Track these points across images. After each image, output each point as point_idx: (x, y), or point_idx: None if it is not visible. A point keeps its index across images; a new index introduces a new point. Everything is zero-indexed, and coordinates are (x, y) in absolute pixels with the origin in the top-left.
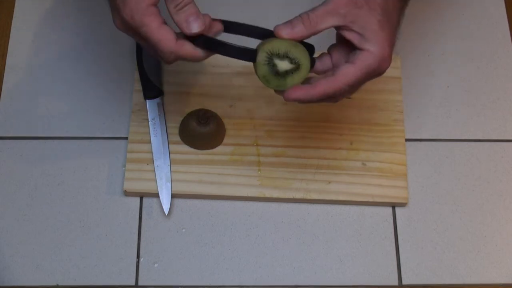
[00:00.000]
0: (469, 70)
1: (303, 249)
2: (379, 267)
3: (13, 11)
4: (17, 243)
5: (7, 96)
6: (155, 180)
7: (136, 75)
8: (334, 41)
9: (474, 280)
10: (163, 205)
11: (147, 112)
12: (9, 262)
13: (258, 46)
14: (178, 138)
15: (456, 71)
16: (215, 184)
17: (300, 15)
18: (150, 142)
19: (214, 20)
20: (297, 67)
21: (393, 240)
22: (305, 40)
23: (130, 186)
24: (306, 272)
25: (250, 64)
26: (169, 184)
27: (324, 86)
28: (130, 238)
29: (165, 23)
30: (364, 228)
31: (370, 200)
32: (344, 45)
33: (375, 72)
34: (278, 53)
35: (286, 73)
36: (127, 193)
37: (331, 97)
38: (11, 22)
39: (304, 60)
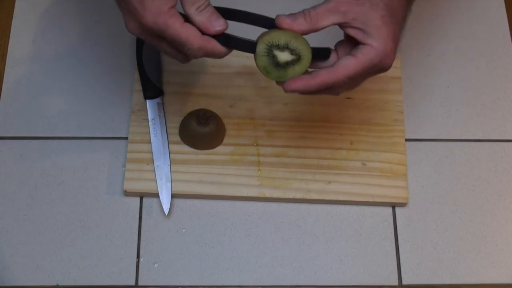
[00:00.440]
0: (469, 70)
1: (303, 249)
2: (379, 267)
3: (13, 11)
4: (17, 243)
5: (7, 96)
6: (155, 180)
7: (136, 75)
8: (340, 38)
9: (474, 280)
10: (163, 205)
11: (147, 112)
12: (9, 262)
13: (258, 38)
14: (178, 138)
15: (456, 71)
16: (215, 184)
17: (302, 11)
18: (150, 142)
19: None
20: (298, 58)
21: (393, 240)
22: (313, 42)
23: (130, 186)
24: (306, 272)
25: (250, 64)
26: (169, 184)
27: (323, 76)
28: (130, 238)
29: (186, 22)
30: (364, 228)
31: (370, 200)
32: (350, 42)
33: (377, 67)
34: (278, 44)
35: (287, 64)
36: (127, 193)
37: (331, 89)
38: (11, 22)
39: (305, 51)
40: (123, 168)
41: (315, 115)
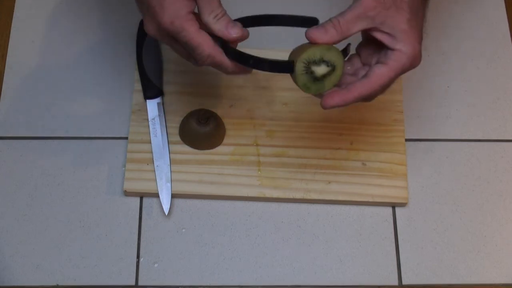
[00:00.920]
0: (469, 70)
1: (303, 249)
2: (379, 267)
3: (13, 11)
4: (17, 243)
5: (7, 96)
6: (155, 180)
7: (136, 75)
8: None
9: (474, 280)
10: (163, 205)
11: (147, 112)
12: (9, 262)
13: (293, 57)
14: (178, 138)
15: (456, 71)
16: (215, 184)
17: (331, 20)
18: (150, 142)
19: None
20: (333, 69)
21: (393, 240)
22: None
23: (130, 186)
24: (306, 272)
25: None
26: (169, 184)
27: (359, 89)
28: (130, 238)
29: (202, 28)
30: (364, 228)
31: (370, 200)
32: (373, 43)
33: (407, 70)
34: (315, 60)
35: (323, 76)
36: (127, 193)
37: (366, 99)
38: (11, 22)
39: (339, 60)
40: (123, 168)
41: (315, 115)
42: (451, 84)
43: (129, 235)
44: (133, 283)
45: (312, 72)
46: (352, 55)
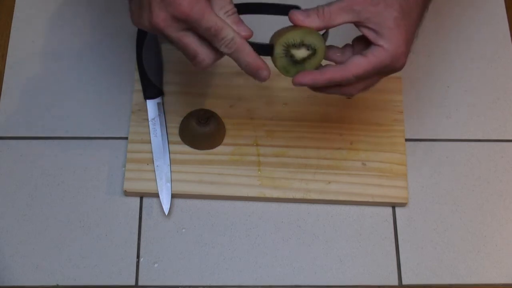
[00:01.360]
0: (469, 70)
1: (303, 249)
2: (379, 267)
3: (13, 11)
4: (17, 243)
5: (7, 96)
6: (155, 180)
7: (136, 75)
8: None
9: (474, 280)
10: (163, 205)
11: (147, 112)
12: (9, 262)
13: (273, 40)
14: (178, 138)
15: (456, 71)
16: (215, 184)
17: (316, 7)
18: (150, 142)
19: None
20: (314, 52)
21: (393, 240)
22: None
23: (130, 186)
24: (306, 272)
25: None
26: (169, 184)
27: (332, 73)
28: (130, 238)
29: None
30: (364, 228)
31: (370, 200)
32: (365, 39)
33: (388, 69)
34: (294, 43)
35: (304, 59)
36: (127, 193)
37: (341, 87)
38: (11, 22)
39: (320, 44)
40: (123, 168)
41: (315, 115)
42: (451, 84)
43: (129, 235)
44: (133, 283)
45: (292, 56)
46: (346, 44)
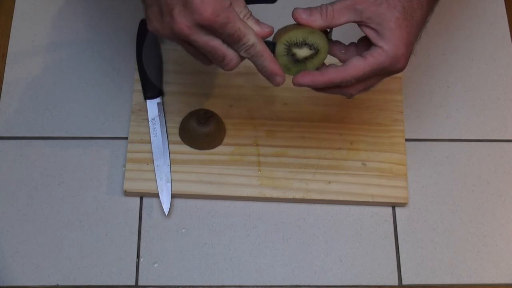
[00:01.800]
0: (469, 70)
1: (303, 249)
2: (379, 267)
3: (13, 11)
4: (17, 243)
5: (7, 96)
6: (155, 180)
7: (136, 75)
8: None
9: (474, 280)
10: (163, 205)
11: (147, 112)
12: (9, 262)
13: (275, 38)
14: (178, 138)
15: (456, 71)
16: (215, 184)
17: (320, 6)
18: (150, 142)
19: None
20: (316, 52)
21: (393, 240)
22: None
23: (130, 186)
24: (306, 272)
25: (250, 64)
26: (169, 184)
27: (331, 74)
28: (130, 238)
29: None
30: (364, 228)
31: (370, 200)
32: (369, 39)
33: (387, 70)
34: (296, 42)
35: (306, 58)
36: (127, 193)
37: (340, 88)
38: (11, 22)
39: (323, 44)
40: (123, 168)
41: (315, 115)
42: (451, 84)
43: (129, 235)
44: (133, 283)
45: (293, 54)
46: (351, 43)
